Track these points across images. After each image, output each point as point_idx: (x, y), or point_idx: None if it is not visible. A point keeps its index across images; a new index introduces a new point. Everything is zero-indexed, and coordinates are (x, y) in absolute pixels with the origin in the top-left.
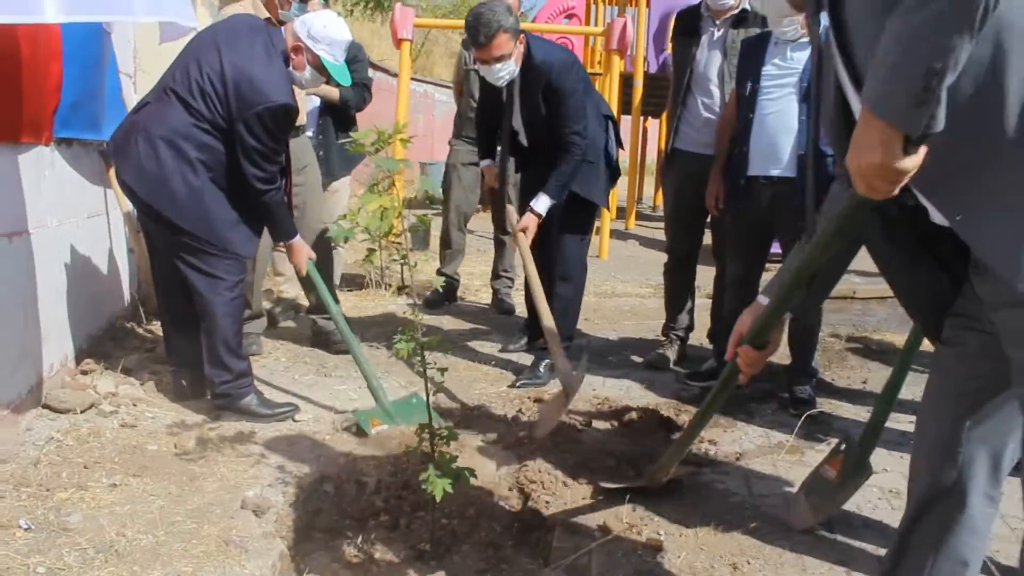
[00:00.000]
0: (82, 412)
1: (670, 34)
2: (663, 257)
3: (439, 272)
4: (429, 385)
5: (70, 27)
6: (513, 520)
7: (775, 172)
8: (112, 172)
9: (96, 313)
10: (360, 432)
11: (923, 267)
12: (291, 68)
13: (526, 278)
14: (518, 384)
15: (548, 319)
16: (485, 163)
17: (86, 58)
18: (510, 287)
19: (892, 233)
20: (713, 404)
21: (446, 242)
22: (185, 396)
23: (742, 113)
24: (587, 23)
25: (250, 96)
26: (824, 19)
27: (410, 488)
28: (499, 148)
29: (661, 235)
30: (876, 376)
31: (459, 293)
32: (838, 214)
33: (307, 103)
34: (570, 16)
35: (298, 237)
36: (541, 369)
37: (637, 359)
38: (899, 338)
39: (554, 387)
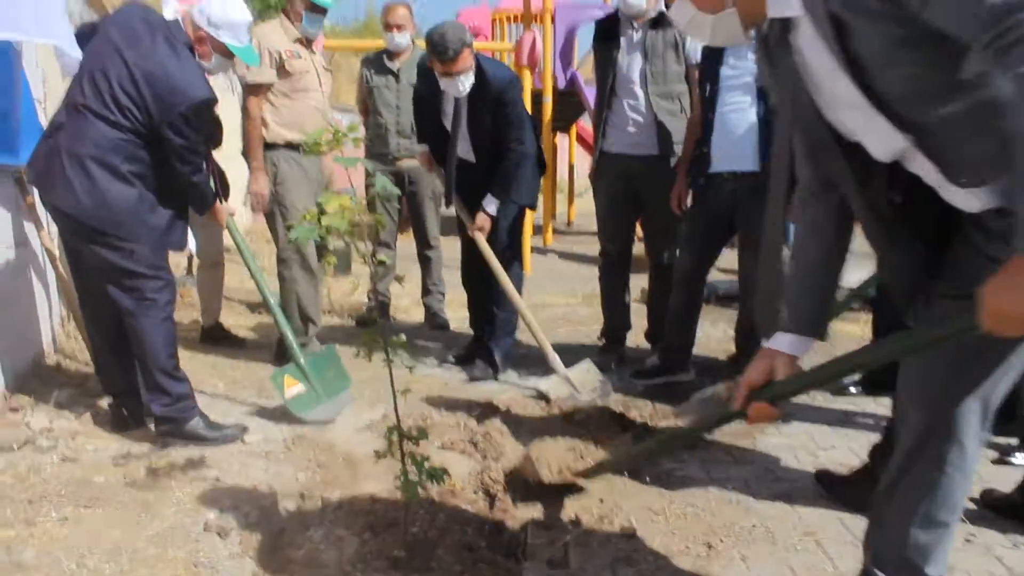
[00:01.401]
0: (18, 449)
1: (575, 50)
2: (585, 269)
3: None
4: (396, 387)
5: None
6: (483, 521)
7: (737, 168)
8: (30, 200)
9: (21, 349)
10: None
11: (907, 250)
12: (198, 59)
13: (494, 272)
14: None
15: (525, 310)
16: (422, 147)
17: None
18: (441, 301)
19: (887, 228)
20: (678, 441)
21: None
22: (126, 426)
23: (704, 114)
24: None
25: (169, 98)
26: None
27: (376, 499)
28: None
29: (579, 249)
30: (814, 359)
31: (390, 313)
32: (934, 333)
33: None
34: (476, 35)
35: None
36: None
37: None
38: (840, 325)
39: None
